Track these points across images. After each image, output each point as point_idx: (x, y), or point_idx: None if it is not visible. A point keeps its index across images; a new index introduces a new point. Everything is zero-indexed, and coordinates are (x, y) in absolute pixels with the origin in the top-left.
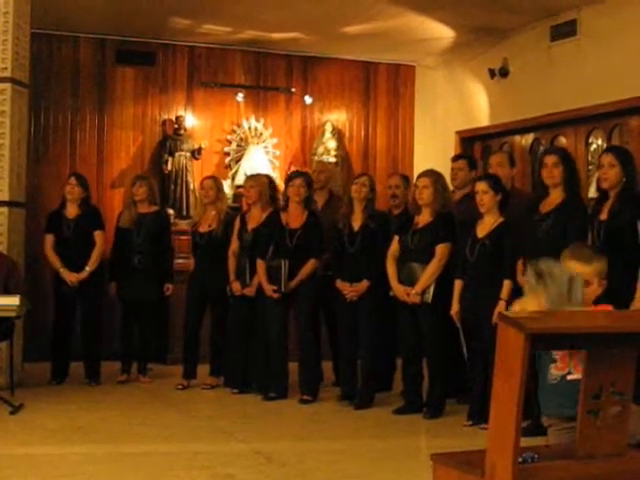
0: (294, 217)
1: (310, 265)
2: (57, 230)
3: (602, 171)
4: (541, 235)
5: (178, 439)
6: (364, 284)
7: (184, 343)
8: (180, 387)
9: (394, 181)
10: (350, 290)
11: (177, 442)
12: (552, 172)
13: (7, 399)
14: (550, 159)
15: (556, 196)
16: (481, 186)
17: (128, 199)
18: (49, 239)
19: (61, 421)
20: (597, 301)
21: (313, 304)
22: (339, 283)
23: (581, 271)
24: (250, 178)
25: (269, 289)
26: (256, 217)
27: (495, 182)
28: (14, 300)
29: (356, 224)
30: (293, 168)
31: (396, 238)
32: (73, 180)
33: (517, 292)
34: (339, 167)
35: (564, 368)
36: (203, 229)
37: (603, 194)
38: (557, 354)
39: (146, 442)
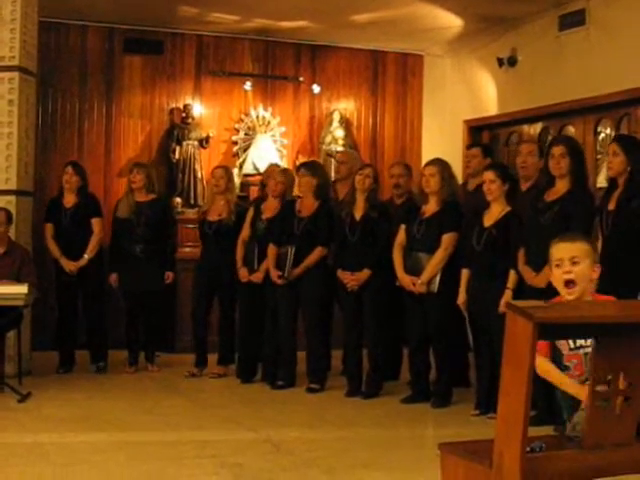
0: (306, 206)
1: (317, 253)
2: (56, 219)
3: (608, 160)
4: (545, 223)
5: (186, 428)
6: (365, 273)
7: (193, 331)
8: (187, 374)
9: (397, 170)
10: (351, 279)
11: (185, 431)
12: (559, 163)
13: (15, 388)
14: (557, 150)
15: (562, 186)
16: (489, 175)
17: (126, 187)
18: (48, 228)
19: (69, 410)
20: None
21: (321, 293)
22: (340, 272)
23: (565, 249)
24: (282, 172)
25: (274, 274)
26: (272, 207)
27: (503, 171)
28: (22, 289)
29: (358, 214)
30: (301, 157)
31: (402, 227)
32: (70, 169)
33: (522, 281)
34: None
35: (580, 375)
36: (212, 218)
37: (613, 183)
38: (569, 362)
39: (154, 431)
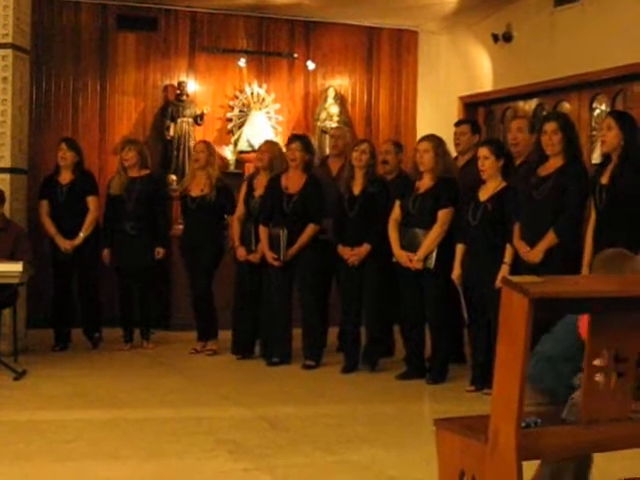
0: (293, 181)
1: (309, 231)
2: (51, 196)
3: (601, 134)
4: (539, 197)
5: (182, 404)
6: (365, 248)
7: (193, 307)
8: (193, 351)
9: (385, 147)
10: (351, 254)
11: (181, 407)
12: (551, 139)
13: (11, 365)
14: (549, 126)
15: (555, 161)
16: (483, 152)
17: (118, 165)
18: (44, 205)
19: (64, 387)
20: None
21: (316, 269)
22: (340, 248)
23: None
24: (265, 143)
25: (270, 256)
26: (263, 183)
27: (497, 147)
28: (17, 267)
29: (356, 189)
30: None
31: (397, 203)
32: (64, 145)
33: (517, 257)
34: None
35: None
36: (195, 193)
37: (606, 158)
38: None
39: (149, 408)
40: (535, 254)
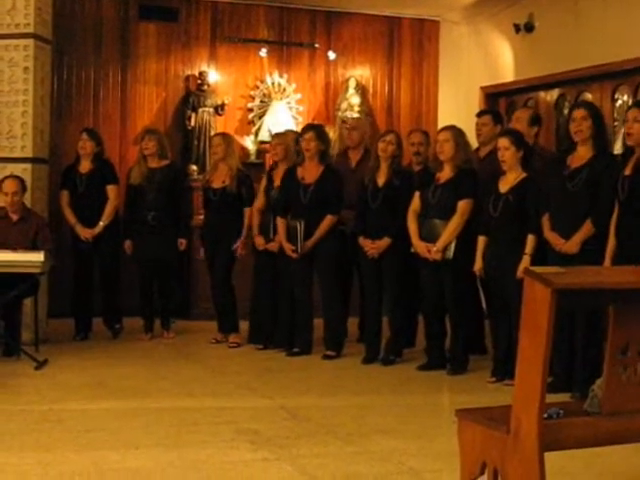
0: (309, 172)
1: (327, 222)
2: (71, 186)
3: (627, 126)
4: (573, 188)
5: (202, 394)
6: (385, 241)
7: (212, 299)
8: (214, 341)
9: (417, 138)
10: (371, 247)
11: (201, 397)
12: (581, 126)
13: (32, 355)
14: (579, 113)
15: (585, 151)
16: (502, 142)
17: (138, 154)
18: (64, 195)
19: (85, 377)
20: None
21: (335, 260)
22: (361, 240)
23: None
24: (276, 135)
25: (288, 248)
26: (282, 174)
27: (517, 138)
28: (39, 256)
29: (380, 180)
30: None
31: (417, 194)
32: (85, 135)
33: (541, 248)
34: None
35: None
36: (217, 185)
37: (629, 150)
38: None
39: (170, 397)
40: (571, 245)
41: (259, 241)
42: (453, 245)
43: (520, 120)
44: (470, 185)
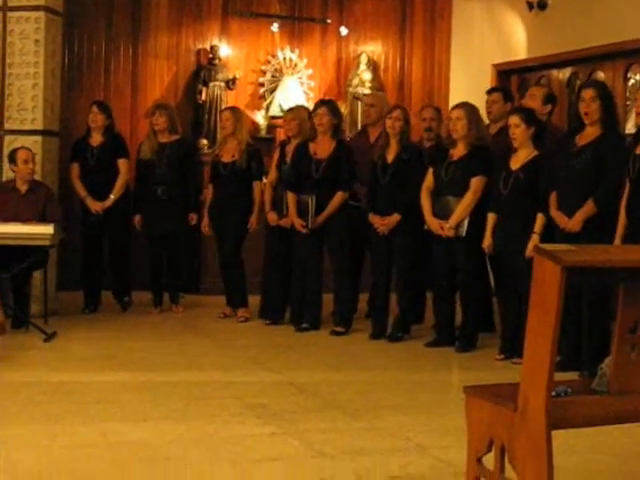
0: (321, 147)
1: (338, 198)
2: (82, 159)
3: (637, 104)
4: (579, 166)
5: (210, 368)
6: (395, 217)
7: (221, 273)
8: (222, 315)
9: (428, 114)
10: (381, 224)
11: (210, 371)
12: (590, 106)
13: (41, 327)
14: (587, 93)
15: (593, 130)
16: (513, 119)
17: (148, 129)
18: (74, 168)
19: (94, 349)
20: None
21: (345, 236)
22: (371, 216)
23: None
24: (290, 110)
25: (298, 223)
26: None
27: (527, 115)
28: (48, 229)
29: (390, 156)
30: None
31: (430, 170)
32: (95, 108)
33: (549, 226)
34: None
35: None
36: (226, 159)
37: None
38: None
39: (179, 371)
40: (574, 224)
41: (272, 217)
42: (466, 222)
43: (534, 97)
44: (483, 162)
